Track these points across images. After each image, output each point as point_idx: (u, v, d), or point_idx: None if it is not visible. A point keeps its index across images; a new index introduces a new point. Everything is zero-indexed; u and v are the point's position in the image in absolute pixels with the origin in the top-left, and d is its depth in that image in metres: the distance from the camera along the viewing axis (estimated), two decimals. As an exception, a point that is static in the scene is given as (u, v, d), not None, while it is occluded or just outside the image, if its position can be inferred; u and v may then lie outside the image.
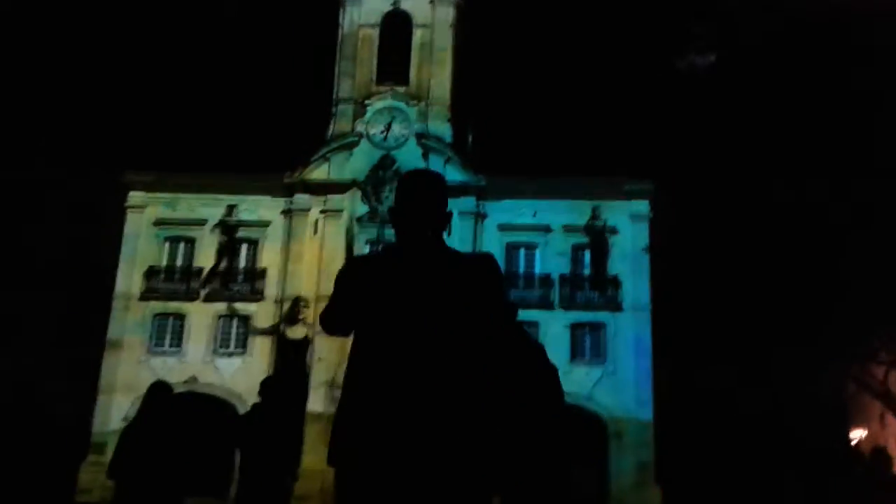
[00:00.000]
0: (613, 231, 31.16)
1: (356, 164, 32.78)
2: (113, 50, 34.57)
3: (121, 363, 30.24)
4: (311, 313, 30.16)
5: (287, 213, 32.47)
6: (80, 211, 30.83)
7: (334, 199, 32.37)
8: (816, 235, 21.17)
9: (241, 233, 31.89)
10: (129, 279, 31.37)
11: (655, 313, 29.18)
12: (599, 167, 31.39)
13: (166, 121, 34.30)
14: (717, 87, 25.23)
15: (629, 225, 31.34)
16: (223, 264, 31.08)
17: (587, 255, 31.16)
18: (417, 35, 34.75)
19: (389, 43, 34.71)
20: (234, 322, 31.14)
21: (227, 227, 31.63)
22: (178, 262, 32.01)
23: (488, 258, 3.04)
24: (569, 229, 31.29)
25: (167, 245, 32.30)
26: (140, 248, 31.83)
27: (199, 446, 8.68)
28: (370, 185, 32.24)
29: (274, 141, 33.26)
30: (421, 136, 33.08)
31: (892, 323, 21.04)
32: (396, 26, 35.05)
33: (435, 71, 34.34)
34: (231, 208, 31.81)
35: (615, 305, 30.09)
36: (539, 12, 37.15)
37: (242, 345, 30.84)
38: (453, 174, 32.33)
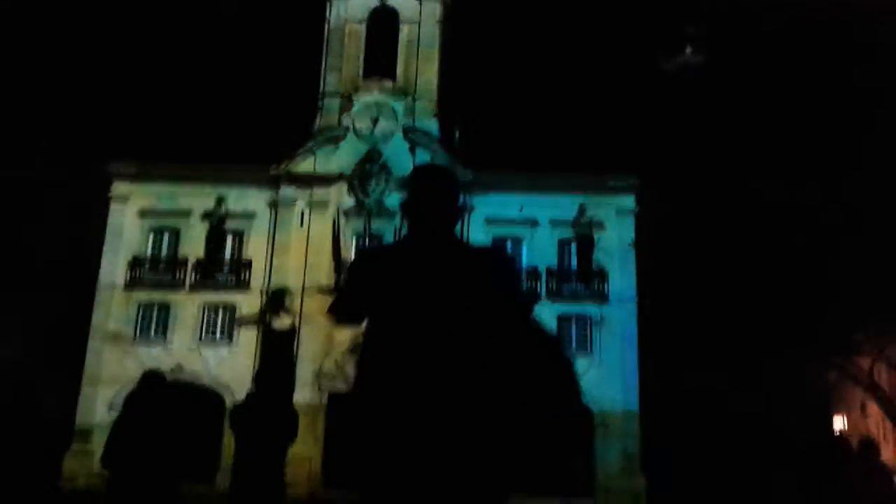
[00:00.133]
0: (599, 226, 31.45)
1: (342, 157, 32.81)
2: (99, 41, 34.33)
3: (105, 353, 30.02)
4: (297, 304, 30.15)
5: (273, 204, 32.40)
6: (64, 201, 30.56)
7: (320, 192, 32.36)
8: (802, 231, 21.50)
9: (227, 224, 31.79)
10: (113, 269, 31.15)
11: (641, 306, 29.46)
12: (586, 162, 31.67)
13: (152, 112, 34.12)
14: (703, 83, 25.60)
15: (615, 219, 31.62)
16: (215, 255, 30.97)
17: (573, 249, 31.42)
18: (404, 31, 34.88)
19: (376, 38, 34.79)
20: (220, 312, 31.04)
21: (214, 218, 31.51)
22: (163, 253, 31.84)
23: (502, 251, 3.07)
24: (555, 223, 31.54)
25: (152, 235, 32.11)
26: (125, 238, 31.63)
27: (187, 435, 8.63)
28: (357, 179, 32.28)
29: (260, 133, 33.24)
30: (408, 131, 33.18)
31: (876, 316, 21.38)
32: (383, 21, 35.16)
33: (422, 66, 34.46)
34: (217, 199, 31.70)
35: (601, 298, 30.36)
36: (526, 8, 37.45)
37: (228, 335, 30.73)
38: (440, 168, 32.51)
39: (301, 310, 30.13)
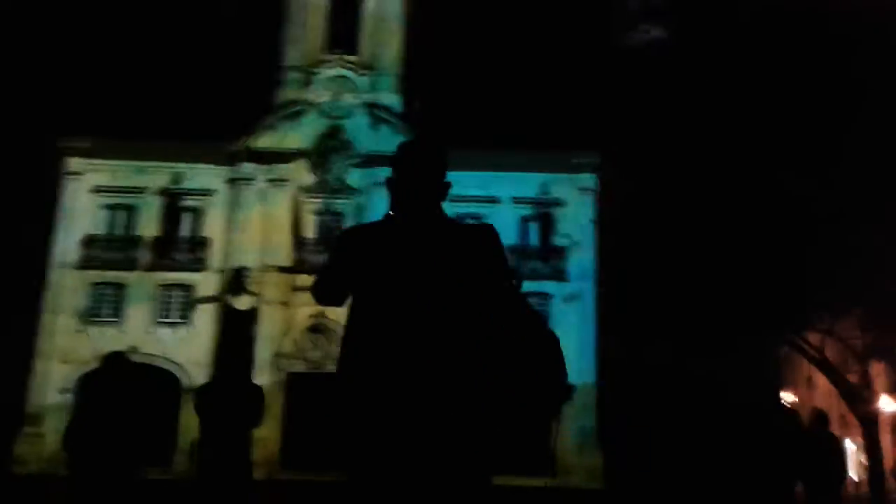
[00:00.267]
0: (560, 203, 31.50)
1: (303, 132, 32.36)
2: (51, 12, 33.29)
3: (57, 333, 29.48)
4: (257, 284, 29.82)
5: (232, 181, 31.90)
6: (15, 177, 29.74)
7: (280, 169, 31.91)
8: (759, 210, 21.72)
9: (183, 201, 31.22)
10: (66, 248, 30.52)
11: (600, 283, 29.65)
12: (548, 140, 31.60)
13: (106, 85, 33.23)
14: (665, 61, 25.60)
15: (576, 197, 31.71)
16: (171, 233, 30.46)
17: (535, 227, 31.46)
18: (368, 4, 34.33)
19: (339, 11, 34.20)
20: (177, 292, 30.57)
21: (169, 196, 30.92)
22: (118, 231, 31.22)
23: (489, 227, 3.01)
24: (517, 201, 31.53)
25: (106, 213, 31.46)
26: (78, 216, 30.94)
27: (147, 417, 8.51)
28: (318, 155, 31.89)
29: (218, 108, 32.50)
30: (370, 106, 32.79)
31: (827, 292, 21.76)
32: (347, -6, 34.54)
33: (385, 40, 34.01)
34: (173, 176, 31.09)
35: (561, 275, 30.49)
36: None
37: (185, 315, 30.29)
38: (402, 145, 32.21)
39: (260, 289, 29.80)
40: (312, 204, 31.37)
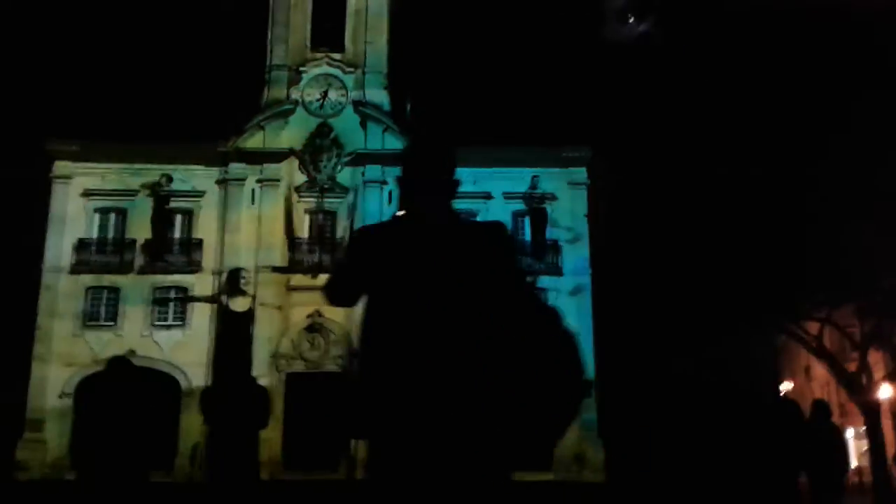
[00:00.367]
0: (553, 198, 31.64)
1: (292, 132, 32.22)
2: (38, 15, 32.91)
3: (54, 339, 29.25)
4: (251, 285, 29.76)
5: (222, 182, 31.76)
6: (3, 182, 29.45)
7: (271, 168, 31.79)
8: (753, 200, 21.95)
9: (174, 203, 31.06)
10: (58, 252, 30.23)
11: (595, 277, 29.84)
12: (539, 135, 31.71)
13: (93, 88, 32.95)
14: (656, 56, 25.77)
15: (568, 191, 31.87)
16: (162, 235, 30.28)
17: (527, 222, 31.58)
18: (352, 0, 34.19)
19: (324, 8, 34.03)
20: (172, 294, 30.43)
21: (160, 198, 30.74)
22: (110, 234, 31.01)
23: (500, 225, 3.03)
24: (509, 196, 31.61)
25: (97, 216, 31.23)
26: (69, 220, 30.67)
27: (152, 420, 8.58)
28: (308, 154, 31.78)
29: (206, 108, 32.31)
30: (358, 104, 32.72)
31: (824, 281, 22.03)
32: (331, -9, 34.37)
33: (371, 37, 33.90)
34: (163, 178, 30.89)
35: (556, 270, 30.65)
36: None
37: (181, 317, 30.19)
38: (392, 142, 32.16)
39: (255, 290, 29.76)
40: (304, 203, 31.30)
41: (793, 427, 10.18)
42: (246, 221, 30.95)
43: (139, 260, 30.40)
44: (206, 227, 31.01)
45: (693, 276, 23.06)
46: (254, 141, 32.14)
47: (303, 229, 30.91)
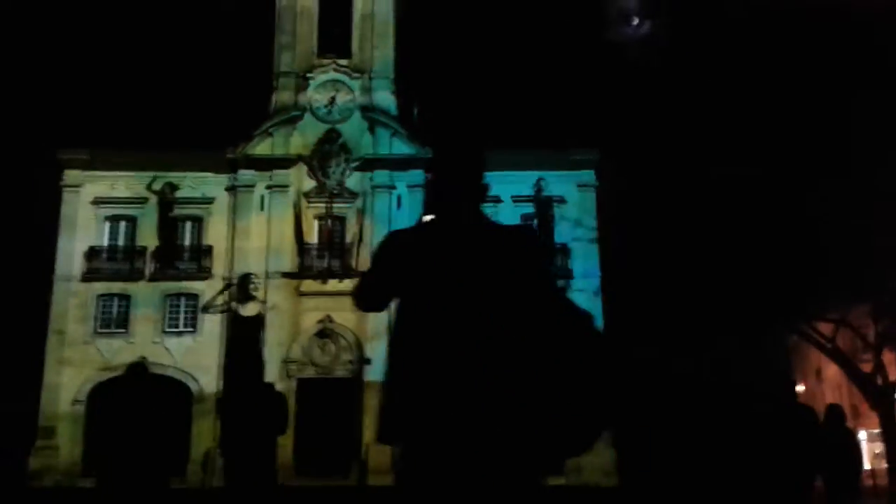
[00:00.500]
0: (561, 200, 31.59)
1: (300, 138, 32.29)
2: (48, 26, 33.12)
3: (66, 347, 29.35)
4: (262, 291, 29.82)
5: (231, 189, 31.84)
6: (14, 190, 29.65)
7: (280, 175, 31.87)
8: (765, 201, 21.88)
9: (184, 210, 31.17)
10: (69, 260, 30.36)
11: (605, 279, 29.76)
12: (546, 138, 31.71)
13: (103, 97, 33.15)
14: (663, 59, 25.74)
15: (576, 194, 31.83)
16: (169, 243, 30.39)
17: (535, 225, 31.50)
18: (358, 5, 34.26)
19: (329, 15, 34.11)
20: (182, 301, 30.55)
21: (170, 205, 30.85)
22: (121, 242, 31.14)
23: (531, 229, 3.09)
24: (517, 200, 31.56)
25: (108, 224, 31.35)
26: (79, 228, 30.81)
27: (168, 426, 8.61)
28: (316, 160, 31.83)
29: (214, 116, 32.49)
30: (366, 109, 32.75)
31: (838, 282, 21.92)
32: (336, -3, 34.45)
33: (377, 42, 33.96)
34: (173, 186, 31.01)
35: (566, 273, 30.59)
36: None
37: (192, 324, 30.27)
38: (400, 147, 32.24)
39: (266, 296, 29.81)
40: (314, 209, 31.35)
41: (808, 432, 10.14)
42: (255, 227, 31.03)
43: (150, 267, 30.50)
44: (216, 234, 31.10)
45: (704, 277, 22.98)
46: (262, 147, 32.22)
47: (312, 235, 30.96)
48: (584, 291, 30.10)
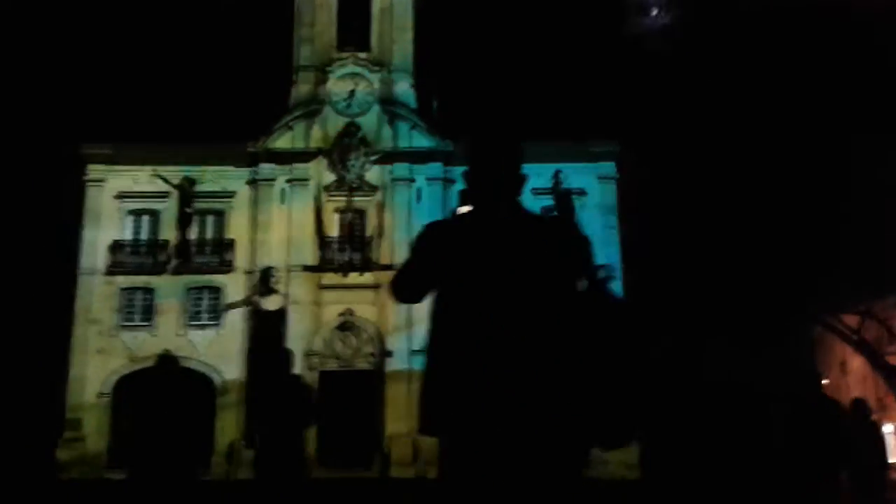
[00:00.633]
0: (581, 192, 31.47)
1: (320, 131, 32.35)
2: (70, 21, 33.39)
3: (90, 340, 29.69)
4: (283, 283, 30.00)
5: (252, 182, 32.00)
6: (38, 185, 29.97)
7: (300, 168, 31.98)
8: (788, 192, 21.72)
9: (205, 204, 31.37)
10: (94, 254, 30.68)
11: (626, 271, 29.59)
12: (566, 129, 31.56)
13: (124, 92, 33.39)
14: (683, 50, 25.56)
15: (597, 186, 31.67)
16: (189, 236, 30.63)
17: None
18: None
19: (349, 8, 34.13)
20: (205, 294, 30.80)
21: (191, 199, 31.06)
22: (143, 236, 31.42)
23: (570, 220, 3.09)
24: (537, 192, 31.36)
25: (131, 218, 31.64)
26: (103, 222, 31.11)
27: (195, 418, 8.68)
28: (336, 153, 31.89)
29: (234, 110, 32.62)
30: (385, 103, 32.75)
31: (864, 274, 21.74)
32: (355, -9, 34.43)
33: (397, 36, 33.95)
34: (187, 179, 31.16)
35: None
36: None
37: (214, 317, 30.51)
38: (420, 140, 32.25)
39: (287, 289, 29.99)
40: (334, 202, 31.44)
41: (832, 425, 10.11)
42: (276, 221, 31.18)
43: (172, 261, 30.75)
44: (237, 228, 31.28)
45: (727, 269, 22.86)
46: (282, 141, 32.35)
47: (333, 228, 31.07)
48: (609, 283, 30.05)
